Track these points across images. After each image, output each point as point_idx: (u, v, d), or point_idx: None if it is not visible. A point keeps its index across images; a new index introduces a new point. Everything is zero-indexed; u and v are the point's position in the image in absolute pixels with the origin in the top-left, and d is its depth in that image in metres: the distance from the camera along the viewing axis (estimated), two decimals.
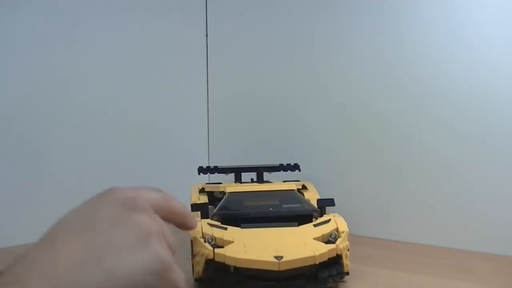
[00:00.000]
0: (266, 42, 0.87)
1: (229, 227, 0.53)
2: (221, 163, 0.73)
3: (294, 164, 0.71)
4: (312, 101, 0.82)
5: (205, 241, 0.50)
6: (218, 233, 0.51)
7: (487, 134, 0.67)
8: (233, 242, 0.51)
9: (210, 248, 0.50)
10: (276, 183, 0.65)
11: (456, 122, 0.69)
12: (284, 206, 0.57)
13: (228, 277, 0.50)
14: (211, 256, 0.50)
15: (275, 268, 0.48)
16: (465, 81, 0.68)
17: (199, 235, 0.51)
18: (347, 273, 0.53)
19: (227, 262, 0.49)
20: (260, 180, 0.68)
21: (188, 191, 0.69)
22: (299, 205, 0.58)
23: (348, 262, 0.52)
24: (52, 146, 0.76)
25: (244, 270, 0.49)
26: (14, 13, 0.72)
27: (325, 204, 0.58)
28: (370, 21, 0.76)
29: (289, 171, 0.70)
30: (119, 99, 0.83)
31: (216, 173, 0.69)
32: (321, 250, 0.50)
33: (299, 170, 0.71)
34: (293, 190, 0.61)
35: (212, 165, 0.71)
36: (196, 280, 0.52)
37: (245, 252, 0.49)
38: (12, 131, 0.72)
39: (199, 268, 0.51)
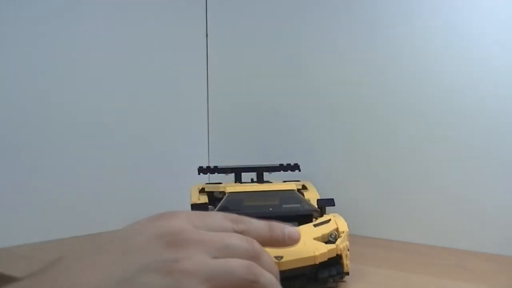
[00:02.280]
0: (266, 42, 0.87)
1: None
2: (221, 163, 0.73)
3: (294, 164, 0.71)
4: (312, 101, 0.82)
5: None
6: None
7: (487, 134, 0.67)
8: None
9: None
10: (276, 183, 0.65)
11: (456, 122, 0.69)
12: (284, 206, 0.57)
13: None
14: None
15: None
16: (461, 83, 0.68)
17: None
18: (347, 273, 0.53)
19: None
20: (260, 180, 0.67)
21: (188, 191, 0.69)
22: (299, 205, 0.58)
23: (348, 262, 0.52)
24: (52, 147, 0.76)
25: None
26: (12, 15, 0.72)
27: (325, 204, 0.58)
28: (368, 23, 0.76)
29: (289, 171, 0.70)
30: (119, 99, 0.83)
31: (216, 173, 0.69)
32: (321, 250, 0.50)
33: (299, 170, 0.71)
34: (293, 190, 0.61)
35: (212, 165, 0.71)
36: None
37: None
38: (11, 132, 0.72)
39: None
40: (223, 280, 0.29)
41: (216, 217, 0.33)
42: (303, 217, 0.56)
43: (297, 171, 0.71)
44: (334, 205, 0.57)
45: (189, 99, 0.93)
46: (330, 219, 0.55)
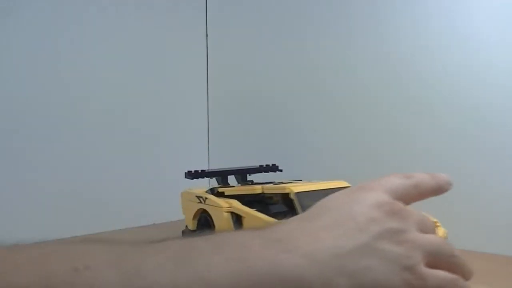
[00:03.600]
0: (266, 42, 0.87)
1: None
2: (221, 164, 0.73)
3: (272, 165, 0.70)
4: (314, 100, 0.82)
5: None
6: None
7: (487, 134, 0.67)
8: None
9: None
10: (322, 182, 0.62)
11: (454, 121, 0.69)
12: None
13: None
14: None
15: None
16: (462, 80, 0.68)
17: None
18: None
19: None
20: (244, 181, 0.67)
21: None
22: None
23: None
24: (52, 147, 0.76)
25: None
26: (12, 14, 0.72)
27: None
28: (366, 22, 0.76)
29: (269, 172, 0.70)
30: (119, 99, 0.83)
31: (204, 177, 0.69)
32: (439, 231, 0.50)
33: (281, 171, 0.70)
34: (349, 187, 0.59)
35: (212, 166, 0.71)
36: None
37: None
38: (12, 132, 0.72)
39: None
40: (437, 256, 0.30)
41: (393, 178, 0.35)
42: None
43: (278, 172, 0.71)
44: None
45: (189, 99, 0.93)
46: None
